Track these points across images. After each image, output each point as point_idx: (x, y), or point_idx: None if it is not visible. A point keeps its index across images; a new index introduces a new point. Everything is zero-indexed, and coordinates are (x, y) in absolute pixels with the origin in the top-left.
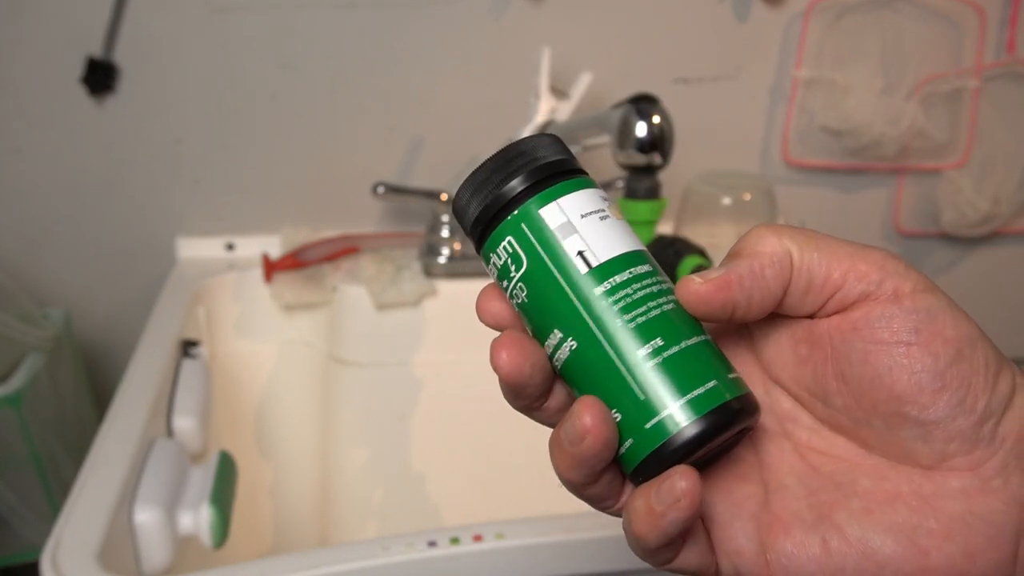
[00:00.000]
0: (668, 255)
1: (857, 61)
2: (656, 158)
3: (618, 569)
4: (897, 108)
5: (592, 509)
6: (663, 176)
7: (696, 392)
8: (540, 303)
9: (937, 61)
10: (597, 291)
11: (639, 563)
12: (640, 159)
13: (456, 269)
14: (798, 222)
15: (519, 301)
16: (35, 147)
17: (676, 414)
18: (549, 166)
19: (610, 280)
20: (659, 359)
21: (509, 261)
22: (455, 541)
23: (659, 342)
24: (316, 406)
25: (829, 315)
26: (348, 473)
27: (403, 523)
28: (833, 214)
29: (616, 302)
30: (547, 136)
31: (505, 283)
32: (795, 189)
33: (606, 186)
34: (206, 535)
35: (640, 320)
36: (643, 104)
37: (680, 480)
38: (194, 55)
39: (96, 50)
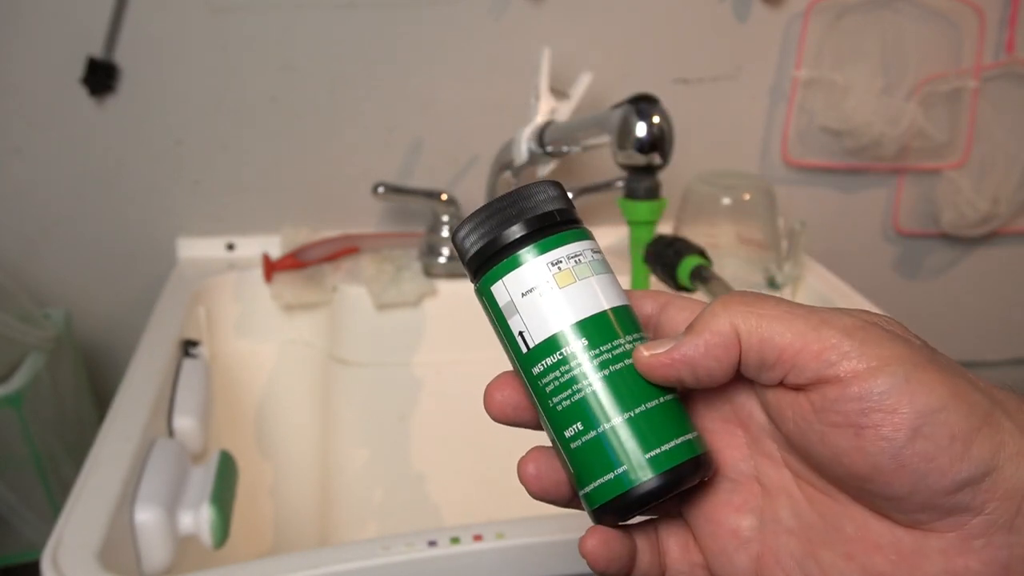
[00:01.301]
0: (668, 255)
1: (857, 61)
2: (656, 158)
3: None
4: (897, 108)
5: None
6: (663, 176)
7: (606, 478)
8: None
9: (937, 61)
10: (534, 372)
11: None
12: (640, 159)
13: (456, 269)
14: (798, 223)
15: None
16: (35, 147)
17: (592, 493)
18: (498, 241)
19: (542, 363)
20: (579, 443)
21: (487, 318)
22: (455, 541)
23: (579, 427)
24: (316, 406)
25: (790, 388)
26: (348, 473)
27: (403, 523)
28: (833, 214)
29: (546, 385)
30: (507, 197)
31: None
32: (795, 189)
33: (606, 186)
34: (206, 535)
35: (565, 404)
36: (643, 104)
37: (587, 540)
38: (194, 55)
39: (96, 50)
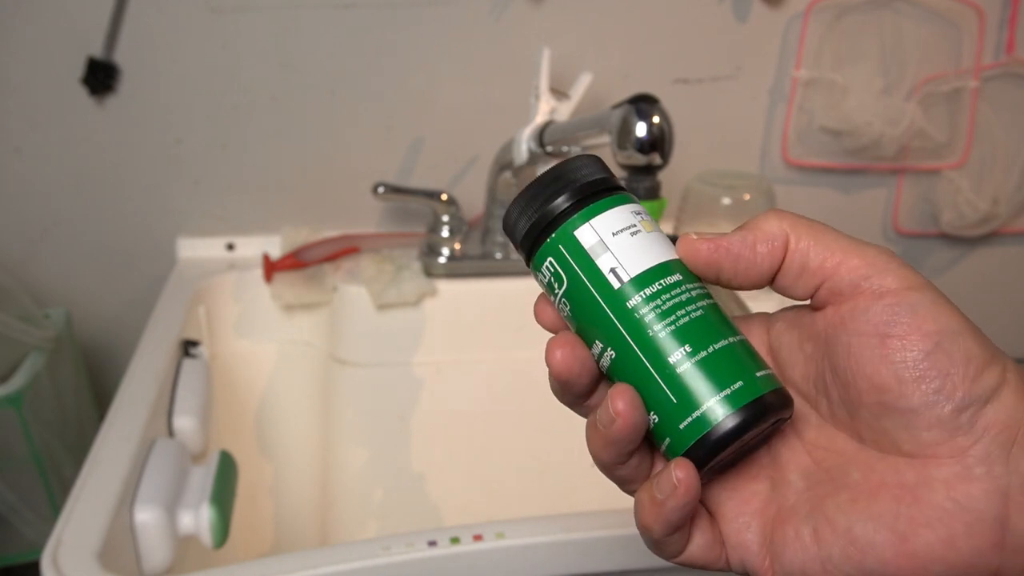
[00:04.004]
0: None
1: (857, 61)
2: (656, 158)
3: (618, 568)
4: (897, 108)
5: (591, 508)
6: (663, 176)
7: (724, 393)
8: (582, 317)
9: (936, 61)
10: (629, 304)
11: (639, 562)
12: (640, 159)
13: (456, 269)
14: None
15: (565, 314)
16: (35, 147)
17: (707, 414)
18: (583, 188)
19: (640, 294)
20: (688, 365)
21: (552, 279)
22: (455, 541)
23: (687, 348)
24: (316, 406)
25: (823, 306)
26: (348, 473)
27: (403, 523)
28: (832, 214)
29: (646, 314)
30: (584, 157)
31: (552, 297)
32: (795, 189)
33: None
34: (206, 535)
35: (669, 329)
36: (643, 104)
37: (676, 470)
38: (194, 55)
39: (96, 50)
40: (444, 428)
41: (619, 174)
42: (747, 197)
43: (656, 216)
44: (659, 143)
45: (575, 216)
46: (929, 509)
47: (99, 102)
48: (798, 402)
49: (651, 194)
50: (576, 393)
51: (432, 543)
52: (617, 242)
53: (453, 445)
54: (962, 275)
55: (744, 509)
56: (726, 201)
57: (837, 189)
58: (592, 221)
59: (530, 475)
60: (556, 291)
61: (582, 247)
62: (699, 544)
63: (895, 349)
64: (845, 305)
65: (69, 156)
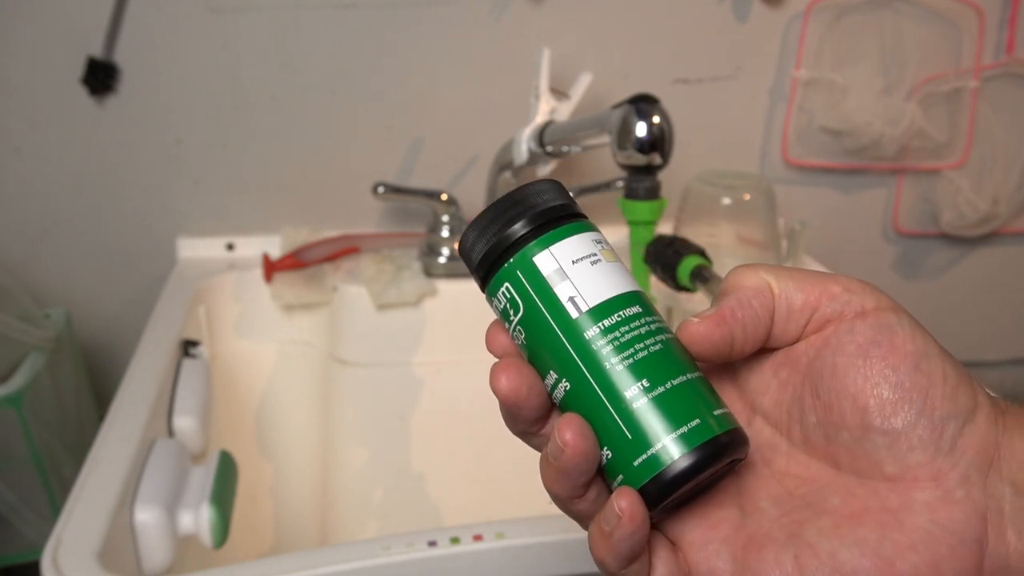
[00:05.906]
0: (668, 255)
1: (857, 61)
2: (656, 158)
3: None
4: (897, 108)
5: None
6: (663, 176)
7: (680, 431)
8: (537, 345)
9: (936, 61)
10: (587, 335)
11: None
12: (640, 159)
13: (456, 269)
14: (798, 223)
15: (520, 342)
16: (35, 147)
17: (661, 452)
18: (544, 213)
19: (598, 325)
20: (645, 400)
21: (508, 306)
22: (455, 541)
23: (645, 383)
24: (316, 406)
25: (806, 337)
26: (348, 473)
27: (403, 523)
28: (832, 214)
29: (604, 345)
30: (545, 182)
31: (507, 324)
32: (795, 189)
33: (606, 186)
34: (206, 535)
35: (627, 362)
36: (643, 104)
37: (619, 500)
38: (194, 55)
39: (96, 50)
40: (444, 428)
41: (619, 174)
42: (747, 197)
43: (656, 216)
44: (659, 143)
45: (534, 242)
46: (913, 532)
47: (99, 102)
48: (767, 431)
49: (651, 194)
50: (526, 419)
51: (432, 543)
52: (577, 270)
53: (453, 445)
54: (962, 275)
55: (712, 536)
56: (726, 201)
57: (837, 189)
58: (552, 248)
59: (530, 475)
60: (511, 318)
61: (540, 274)
62: (663, 575)
63: (878, 369)
64: (830, 327)
65: (69, 156)
